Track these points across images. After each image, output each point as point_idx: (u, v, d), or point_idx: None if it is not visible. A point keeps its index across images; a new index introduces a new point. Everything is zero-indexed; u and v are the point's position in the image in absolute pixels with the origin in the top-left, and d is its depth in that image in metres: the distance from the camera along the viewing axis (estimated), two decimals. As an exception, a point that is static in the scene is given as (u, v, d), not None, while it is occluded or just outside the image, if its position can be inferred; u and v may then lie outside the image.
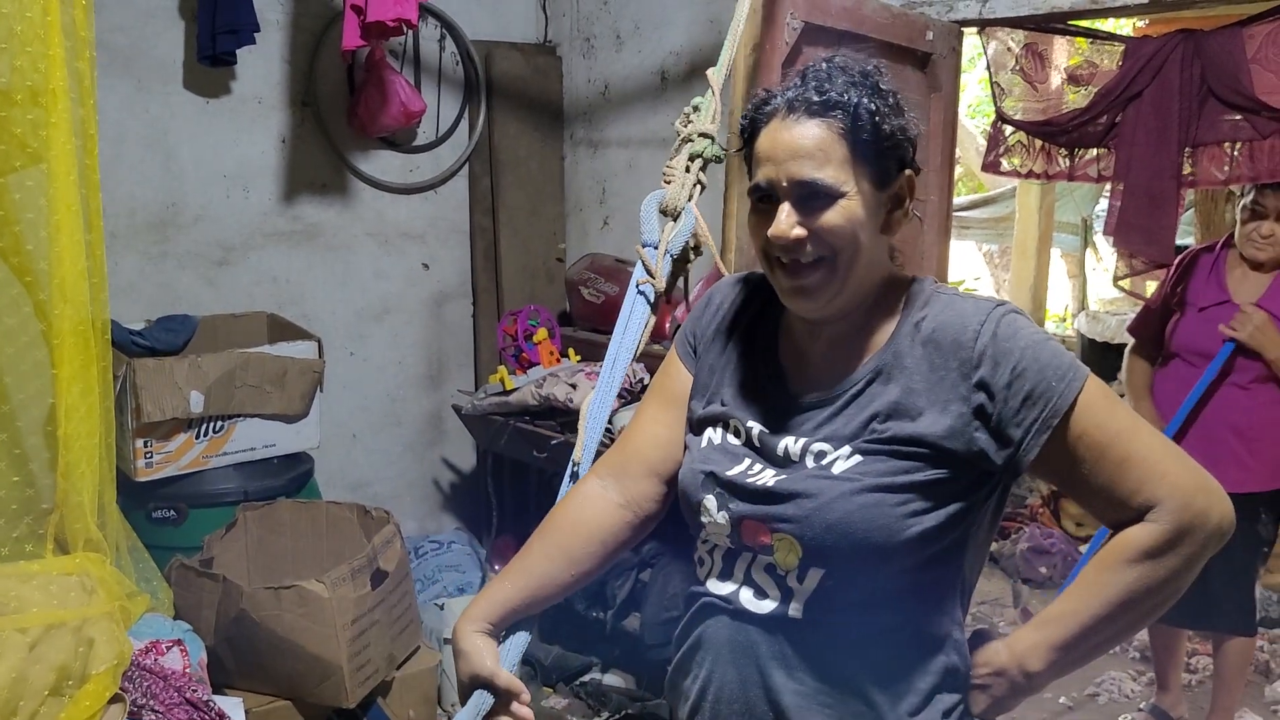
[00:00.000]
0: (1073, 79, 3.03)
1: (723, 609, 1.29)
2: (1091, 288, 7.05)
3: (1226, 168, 2.76)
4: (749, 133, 1.26)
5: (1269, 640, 4.00)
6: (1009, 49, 3.13)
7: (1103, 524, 1.24)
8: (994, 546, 5.20)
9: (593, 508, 1.42)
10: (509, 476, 3.92)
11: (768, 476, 1.25)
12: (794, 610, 1.23)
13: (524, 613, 1.41)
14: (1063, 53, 3.11)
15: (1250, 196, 2.80)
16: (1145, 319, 3.12)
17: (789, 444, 1.25)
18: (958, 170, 8.69)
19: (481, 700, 1.33)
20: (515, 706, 1.33)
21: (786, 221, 1.19)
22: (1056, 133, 3.06)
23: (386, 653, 2.82)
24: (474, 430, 3.74)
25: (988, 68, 3.18)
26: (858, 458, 1.20)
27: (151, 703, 2.03)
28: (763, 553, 1.25)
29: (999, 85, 3.18)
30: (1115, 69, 2.93)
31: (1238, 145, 2.76)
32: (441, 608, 3.45)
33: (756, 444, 1.29)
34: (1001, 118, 3.16)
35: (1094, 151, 3.07)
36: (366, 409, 4.03)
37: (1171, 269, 3.04)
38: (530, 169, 4.20)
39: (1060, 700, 3.74)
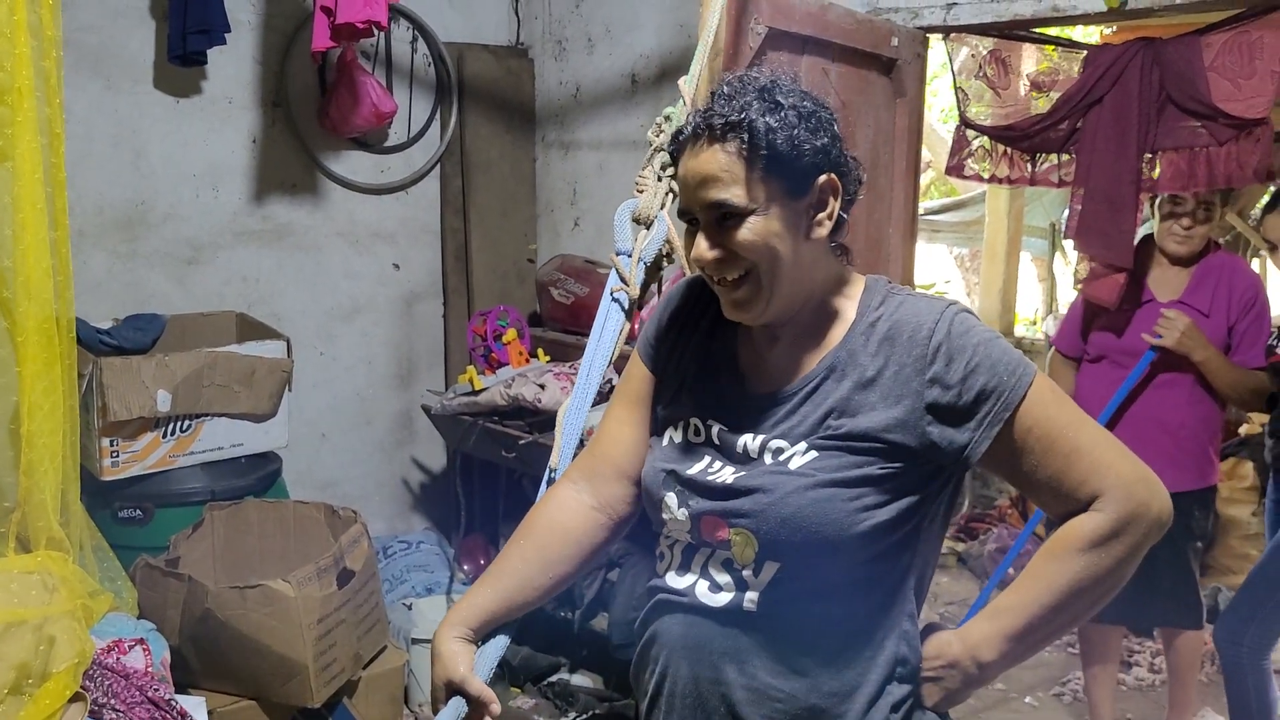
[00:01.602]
0: (1036, 85, 3.08)
1: (678, 604, 1.32)
2: (1060, 291, 7.13)
3: (1185, 173, 2.81)
4: (675, 159, 1.31)
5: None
6: (974, 55, 3.17)
7: (1049, 515, 1.28)
8: (962, 547, 5.24)
9: (567, 512, 1.46)
10: (478, 476, 3.93)
11: (727, 473, 1.28)
12: (748, 603, 1.26)
13: (504, 618, 1.43)
14: (1028, 60, 3.15)
15: (1167, 194, 2.86)
16: (1069, 326, 3.16)
17: (748, 441, 1.29)
18: (929, 175, 8.77)
19: (460, 707, 1.36)
20: (491, 708, 1.36)
21: (702, 244, 1.26)
22: (1019, 138, 3.10)
23: (353, 652, 2.83)
24: (443, 430, 3.75)
25: (953, 73, 3.21)
26: (814, 453, 1.24)
27: (113, 701, 2.03)
28: (721, 548, 1.28)
29: (964, 91, 3.22)
30: (1077, 76, 2.98)
31: (1195, 151, 2.80)
32: (409, 607, 3.46)
33: (717, 441, 1.32)
34: (965, 122, 3.20)
35: (1055, 157, 3.12)
36: (336, 409, 4.03)
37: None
38: (502, 170, 4.21)
39: (1026, 700, 3.78)
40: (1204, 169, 2.78)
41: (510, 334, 3.72)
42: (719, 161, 1.22)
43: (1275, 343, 2.74)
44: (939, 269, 8.21)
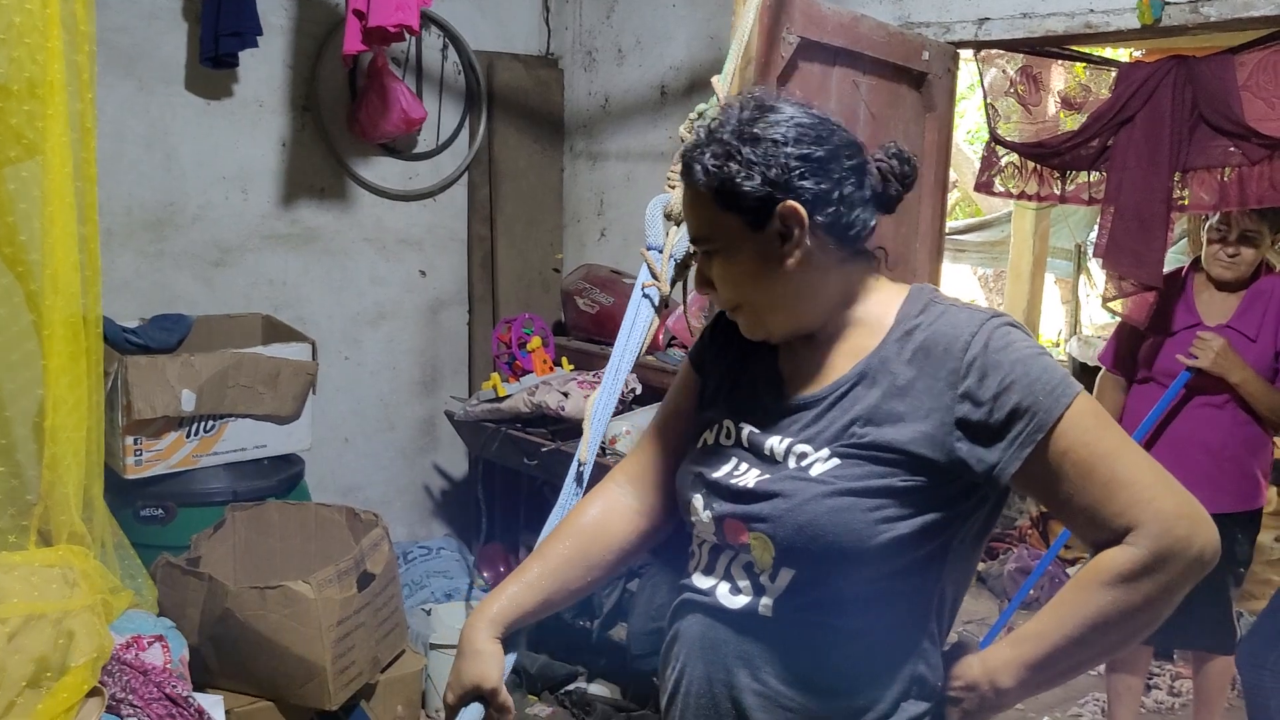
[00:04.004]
0: (1067, 104, 3.06)
1: (700, 605, 1.31)
2: (1084, 312, 7.08)
3: (1216, 193, 2.79)
4: None
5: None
6: (1005, 73, 3.16)
7: (1084, 543, 1.22)
8: (982, 566, 5.19)
9: (614, 513, 1.45)
10: (500, 484, 3.93)
11: (751, 477, 1.27)
12: (764, 608, 1.25)
13: (538, 614, 1.41)
14: (1058, 78, 3.14)
15: (1216, 217, 2.84)
16: (1118, 343, 3.13)
17: (774, 443, 1.27)
18: (955, 195, 8.74)
19: (478, 714, 1.33)
20: None
21: (697, 278, 1.32)
22: (1049, 155, 3.08)
23: (371, 655, 2.82)
24: (466, 437, 3.75)
25: (984, 90, 3.20)
26: (836, 461, 1.21)
27: (130, 697, 2.03)
28: (742, 551, 1.27)
29: (994, 108, 3.21)
30: (1108, 94, 2.96)
31: (1228, 171, 2.78)
32: (429, 613, 3.46)
33: (746, 444, 1.31)
34: (995, 139, 3.19)
35: (1086, 174, 3.10)
36: (360, 413, 4.04)
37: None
38: (529, 179, 4.22)
39: (1045, 719, 3.74)
40: (1235, 189, 2.75)
41: (535, 342, 3.72)
42: (690, 201, 1.28)
43: None
44: (964, 289, 8.18)
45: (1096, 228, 3.02)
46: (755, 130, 1.21)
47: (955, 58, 3.10)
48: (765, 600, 1.25)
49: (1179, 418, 2.96)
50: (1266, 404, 2.82)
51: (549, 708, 3.35)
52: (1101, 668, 3.86)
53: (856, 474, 1.19)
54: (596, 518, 1.44)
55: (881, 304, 1.28)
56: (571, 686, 3.44)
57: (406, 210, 4.05)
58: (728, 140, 1.21)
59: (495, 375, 3.58)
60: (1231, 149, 2.76)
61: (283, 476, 3.28)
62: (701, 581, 1.31)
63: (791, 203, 1.20)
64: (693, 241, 1.29)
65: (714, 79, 1.82)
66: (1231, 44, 2.80)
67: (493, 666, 1.34)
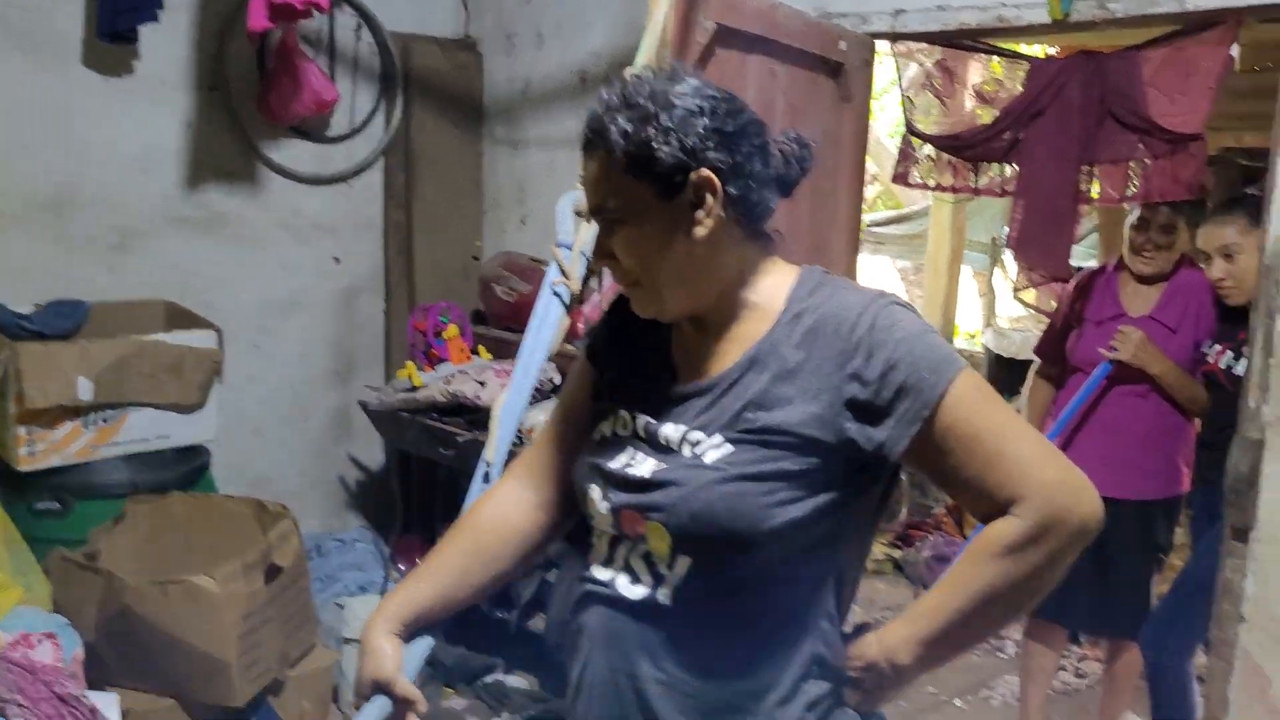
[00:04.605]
0: (981, 98, 3.10)
1: (600, 596, 1.30)
2: (999, 304, 7.24)
3: (1122, 187, 2.85)
4: None
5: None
6: (922, 66, 3.19)
7: (974, 516, 1.25)
8: (898, 554, 5.27)
9: (510, 509, 1.43)
10: (416, 474, 3.86)
11: (646, 466, 1.26)
12: (663, 596, 1.24)
13: (438, 614, 1.39)
14: (974, 72, 3.18)
15: (1137, 213, 2.91)
16: (1049, 338, 3.21)
17: (669, 432, 1.26)
18: (876, 187, 8.86)
19: (384, 707, 1.31)
20: (409, 717, 1.32)
21: (597, 249, 1.28)
22: (963, 147, 3.12)
23: (279, 650, 2.75)
24: (381, 427, 3.68)
25: (901, 85, 3.23)
26: (729, 447, 1.21)
27: (17, 697, 1.94)
28: (640, 541, 1.26)
29: (911, 101, 3.24)
30: (1021, 89, 3.01)
31: (1133, 165, 2.84)
32: (342, 607, 3.38)
33: (642, 434, 1.30)
34: (911, 131, 3.22)
35: (999, 168, 3.15)
36: (271, 403, 3.93)
37: (1070, 288, 3.14)
38: (448, 165, 4.15)
39: (956, 703, 3.80)
40: (1140, 183, 2.82)
41: (452, 330, 3.66)
42: (593, 169, 1.23)
43: (1207, 350, 2.78)
44: (884, 281, 8.32)
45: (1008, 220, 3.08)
46: (672, 98, 1.20)
47: (872, 48, 3.12)
48: (664, 589, 1.24)
49: (1104, 406, 3.02)
50: (1185, 395, 2.90)
51: (465, 700, 3.31)
52: (1014, 650, 3.95)
53: (749, 459, 1.19)
54: (495, 513, 1.43)
55: (773, 287, 1.28)
56: (489, 678, 3.40)
57: (320, 195, 3.95)
58: (644, 105, 1.19)
59: (410, 364, 3.52)
60: (1137, 143, 2.82)
61: (187, 468, 3.18)
62: (601, 573, 1.30)
63: (706, 172, 1.19)
64: (595, 211, 1.25)
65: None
66: (1138, 40, 2.86)
67: (388, 662, 1.32)
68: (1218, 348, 2.75)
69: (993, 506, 1.19)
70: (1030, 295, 3.07)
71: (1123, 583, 3.02)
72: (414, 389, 3.45)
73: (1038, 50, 4.11)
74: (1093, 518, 1.18)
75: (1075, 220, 2.91)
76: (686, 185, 1.20)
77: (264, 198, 3.81)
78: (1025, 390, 3.34)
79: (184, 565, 2.93)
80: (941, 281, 6.51)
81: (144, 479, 3.04)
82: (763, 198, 1.26)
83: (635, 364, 1.36)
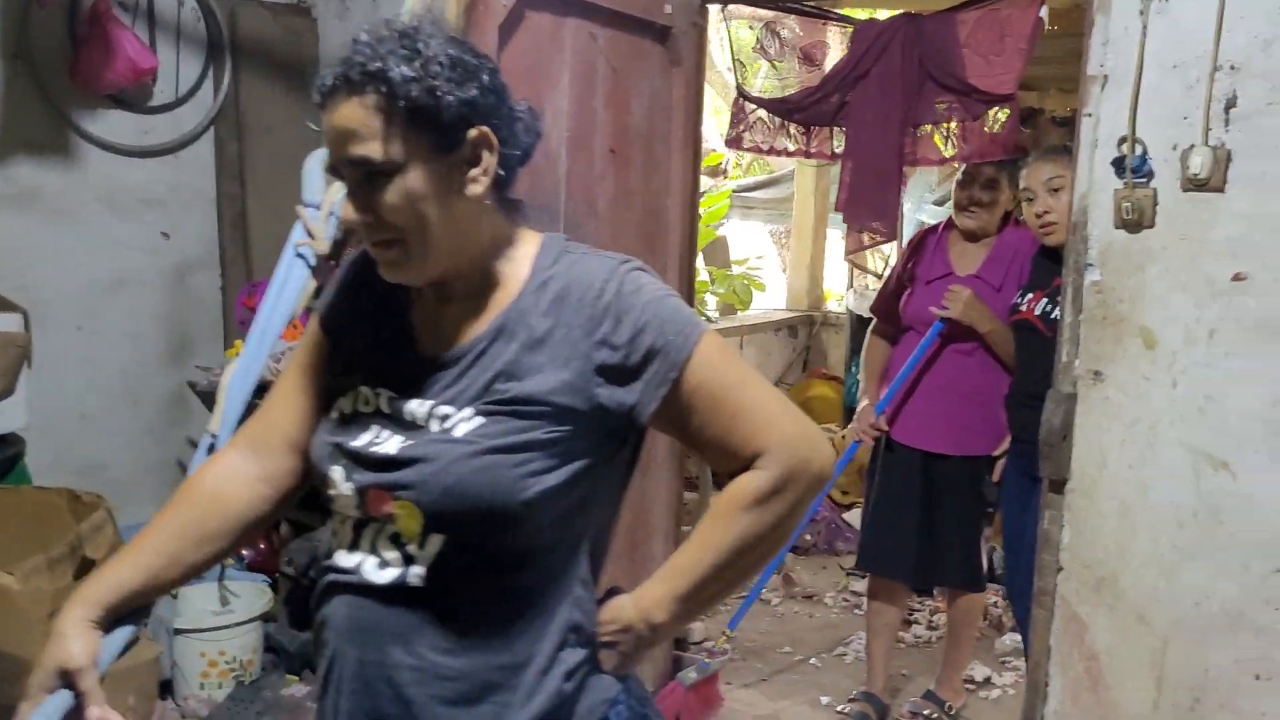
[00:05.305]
0: (808, 58, 3.11)
1: (345, 585, 1.25)
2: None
3: (944, 148, 2.90)
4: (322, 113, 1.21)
5: (1002, 596, 4.27)
6: (751, 29, 3.19)
7: (718, 472, 1.28)
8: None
9: (228, 482, 1.35)
10: (256, 457, 3.73)
11: (393, 444, 1.22)
12: (414, 578, 1.20)
13: (148, 596, 1.31)
14: (803, 34, 3.19)
15: (961, 171, 2.97)
16: (883, 296, 3.27)
17: (415, 408, 1.22)
18: (748, 155, 8.89)
19: (66, 701, 1.21)
20: (90, 710, 1.22)
21: (349, 206, 1.18)
22: (793, 110, 3.14)
23: (95, 646, 2.63)
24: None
25: (731, 47, 3.22)
26: (480, 419, 1.18)
27: None
28: (387, 522, 1.21)
29: (743, 64, 3.23)
30: (846, 50, 3.03)
31: (953, 126, 2.89)
32: (175, 596, 3.27)
33: (386, 410, 1.25)
34: (743, 94, 3.22)
35: (829, 130, 3.17)
36: (98, 388, 3.75)
37: (905, 247, 3.19)
38: (283, 135, 4.00)
39: (811, 661, 3.88)
40: (960, 144, 2.87)
41: (285, 306, 3.53)
42: (358, 115, 1.14)
43: (1019, 300, 2.85)
44: (757, 245, 8.39)
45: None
46: (450, 50, 1.17)
47: (703, 11, 3.10)
48: (415, 570, 1.20)
49: (935, 366, 3.09)
50: (1008, 351, 2.98)
51: (307, 687, 3.23)
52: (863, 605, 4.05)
53: (501, 430, 1.17)
54: (209, 488, 1.35)
55: (518, 255, 1.26)
56: (333, 663, 3.32)
57: (144, 167, 3.76)
58: (427, 53, 1.15)
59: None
60: (955, 105, 2.87)
61: (-5, 459, 3.01)
62: (345, 560, 1.25)
63: (486, 129, 1.18)
64: (357, 161, 1.15)
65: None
66: (954, 2, 2.90)
67: (77, 649, 1.22)
68: (1030, 296, 2.82)
69: (738, 461, 1.23)
70: (860, 257, 3.11)
71: (955, 535, 3.11)
72: (246, 368, 3.32)
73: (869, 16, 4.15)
74: (828, 466, 1.25)
75: (901, 182, 2.96)
76: (464, 141, 1.17)
77: (81, 171, 3.61)
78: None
79: (-12, 562, 2.78)
80: (807, 244, 6.58)
81: (-56, 473, 2.87)
82: (515, 164, 1.25)
83: (373, 335, 1.31)
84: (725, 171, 8.15)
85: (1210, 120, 2.21)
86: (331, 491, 1.26)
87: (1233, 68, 2.19)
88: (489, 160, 1.19)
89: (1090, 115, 2.37)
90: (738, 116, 3.21)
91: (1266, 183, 2.18)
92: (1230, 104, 2.21)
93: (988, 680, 3.70)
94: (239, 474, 1.36)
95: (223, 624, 3.15)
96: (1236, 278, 2.23)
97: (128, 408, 3.84)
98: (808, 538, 4.99)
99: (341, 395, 1.29)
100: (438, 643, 1.21)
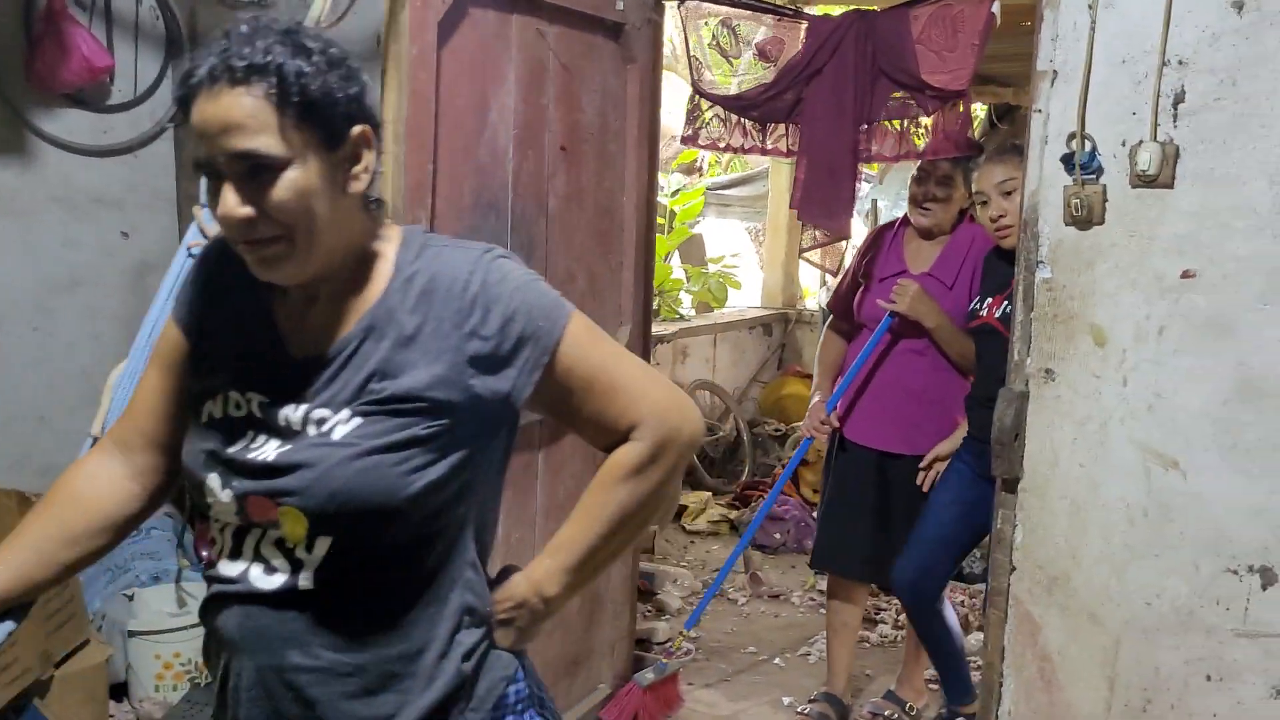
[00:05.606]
0: (762, 55, 3.09)
1: (232, 595, 1.24)
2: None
3: (897, 145, 2.88)
4: (184, 106, 1.18)
5: (969, 595, 4.26)
6: (707, 25, 3.17)
7: (595, 447, 1.33)
8: (735, 515, 5.33)
9: (95, 482, 1.37)
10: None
11: (270, 450, 1.21)
12: (304, 581, 1.20)
13: (19, 597, 1.32)
14: (758, 31, 3.17)
15: (917, 167, 2.95)
16: (838, 294, 3.25)
17: (289, 413, 1.21)
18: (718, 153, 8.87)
19: None
20: None
21: (232, 201, 1.14)
22: (748, 107, 3.12)
23: (39, 650, 2.62)
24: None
25: (687, 43, 3.20)
26: (358, 420, 1.19)
27: None
28: (271, 527, 1.21)
29: (699, 60, 3.21)
30: (801, 46, 3.01)
31: (906, 123, 2.88)
32: (131, 598, 3.25)
33: (259, 415, 1.23)
34: (698, 91, 3.20)
35: (784, 127, 3.15)
36: (57, 388, 3.72)
37: (861, 245, 3.18)
38: (244, 133, 3.96)
39: (775, 661, 3.87)
40: (912, 140, 2.85)
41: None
42: (245, 107, 1.11)
43: (978, 306, 2.84)
44: (734, 243, 8.38)
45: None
46: (334, 51, 1.18)
47: (659, 8, 3.07)
48: (305, 573, 1.20)
49: (885, 363, 3.08)
50: (956, 349, 2.96)
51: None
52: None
53: (380, 430, 1.18)
54: (76, 489, 1.37)
55: (382, 251, 1.26)
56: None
57: (102, 167, 3.73)
58: (315, 49, 1.15)
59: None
60: (909, 101, 2.85)
61: (-56, 462, 2.98)
62: (230, 569, 1.24)
63: (368, 127, 1.19)
64: (243, 155, 1.12)
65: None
66: (908, -1, 2.89)
67: None
68: (989, 301, 2.81)
69: (614, 435, 1.28)
70: (815, 254, 3.10)
71: (908, 534, 3.09)
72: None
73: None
74: (698, 432, 1.31)
75: (855, 179, 2.94)
76: (348, 139, 1.17)
77: (37, 171, 3.57)
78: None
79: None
80: (781, 241, 6.57)
81: (-109, 475, 2.84)
82: (378, 164, 1.26)
83: (235, 337, 1.29)
84: (701, 169, 8.13)
85: (1159, 116, 2.20)
86: (209, 499, 1.25)
87: (1181, 62, 2.18)
88: (369, 158, 1.20)
89: (1040, 111, 2.36)
90: (692, 114, 3.19)
91: (1214, 179, 2.17)
92: (1178, 99, 2.20)
93: (951, 679, 3.68)
94: (106, 474, 1.37)
95: (178, 626, 3.12)
96: (1185, 275, 2.22)
97: (87, 408, 3.78)
98: (777, 536, 4.97)
99: (208, 398, 1.27)
100: (334, 641, 1.21)
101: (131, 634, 3.10)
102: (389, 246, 1.26)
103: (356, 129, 1.18)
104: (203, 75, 1.13)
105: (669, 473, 1.29)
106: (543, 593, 1.31)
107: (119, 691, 3.16)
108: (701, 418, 1.34)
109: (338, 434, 1.18)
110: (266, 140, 1.12)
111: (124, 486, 1.38)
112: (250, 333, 1.28)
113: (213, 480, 1.23)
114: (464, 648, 1.26)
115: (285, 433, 1.21)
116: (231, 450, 1.22)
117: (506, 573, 1.35)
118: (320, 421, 1.19)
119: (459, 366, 1.20)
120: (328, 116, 1.15)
